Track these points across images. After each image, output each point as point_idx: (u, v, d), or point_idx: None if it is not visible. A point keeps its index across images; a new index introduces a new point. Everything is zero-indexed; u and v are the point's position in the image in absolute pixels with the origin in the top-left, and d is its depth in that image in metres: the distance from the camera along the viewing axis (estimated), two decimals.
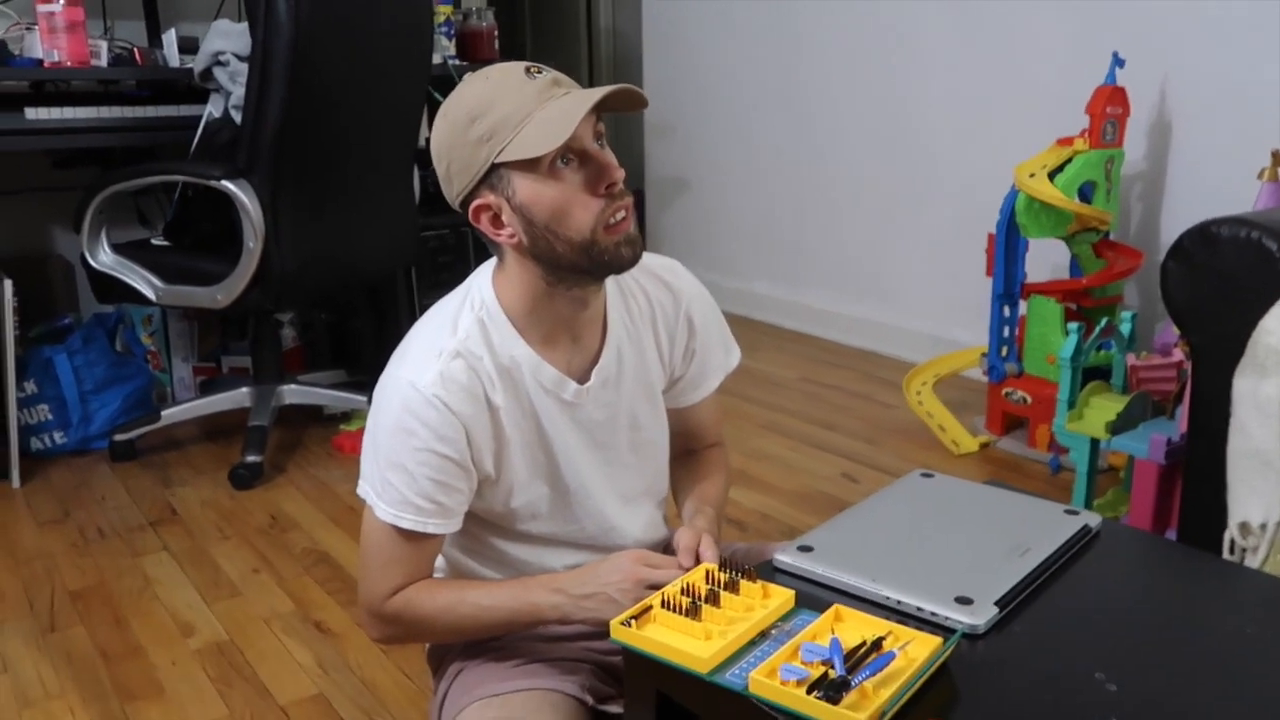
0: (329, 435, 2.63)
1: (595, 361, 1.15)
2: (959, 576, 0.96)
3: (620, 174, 1.02)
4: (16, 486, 2.34)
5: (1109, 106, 2.38)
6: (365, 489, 1.11)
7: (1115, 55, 2.41)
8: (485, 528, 1.19)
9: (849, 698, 0.79)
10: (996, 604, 0.92)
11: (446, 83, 2.75)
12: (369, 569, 1.11)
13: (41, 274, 2.89)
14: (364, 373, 3.01)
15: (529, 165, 1.00)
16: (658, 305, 1.21)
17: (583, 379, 1.15)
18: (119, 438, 2.49)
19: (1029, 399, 2.45)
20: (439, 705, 1.18)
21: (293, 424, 2.70)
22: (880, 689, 0.80)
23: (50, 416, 2.50)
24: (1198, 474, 1.63)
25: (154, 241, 2.49)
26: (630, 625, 0.91)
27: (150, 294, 2.29)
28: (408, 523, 1.07)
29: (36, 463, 2.46)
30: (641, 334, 1.20)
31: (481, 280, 1.13)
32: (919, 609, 0.92)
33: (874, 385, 3.04)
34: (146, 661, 1.66)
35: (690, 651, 0.87)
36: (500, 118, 1.00)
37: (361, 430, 2.56)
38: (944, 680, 0.84)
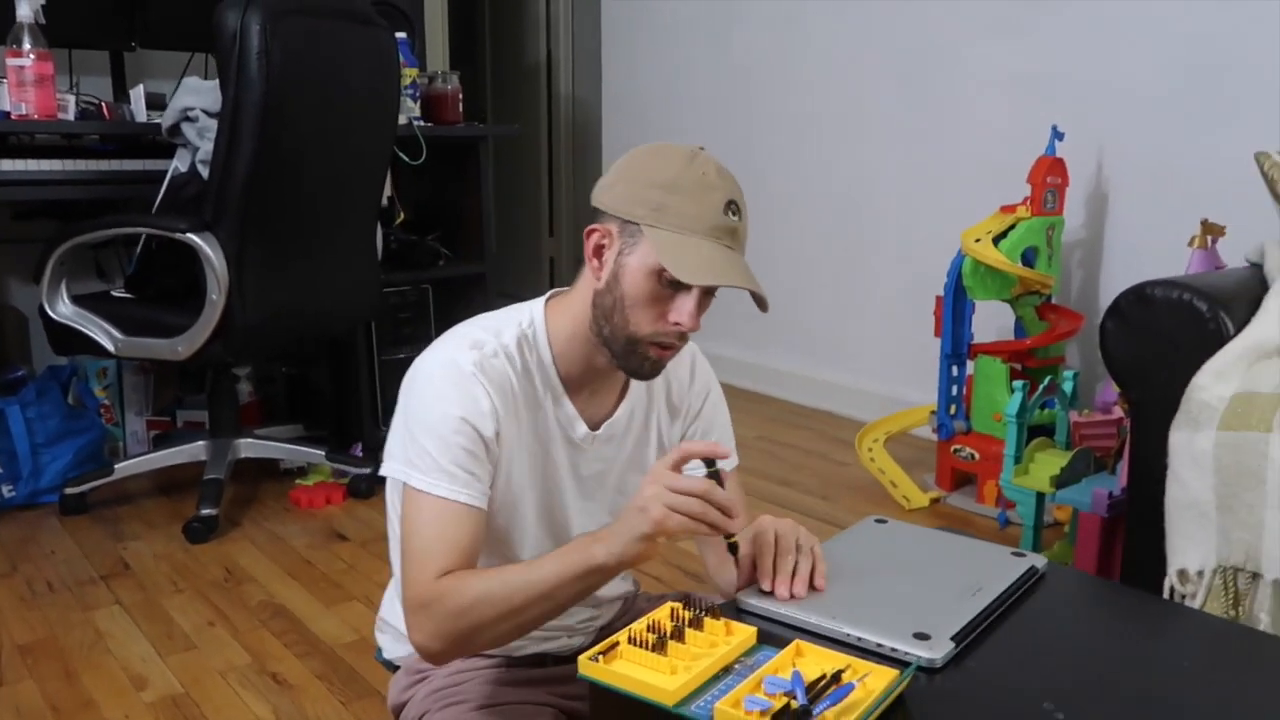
0: (285, 490, 2.62)
1: (608, 418, 1.21)
2: (915, 614, 1.00)
3: (693, 329, 1.10)
4: None
5: (1049, 176, 2.49)
6: (395, 466, 1.11)
7: (1054, 129, 2.53)
8: None
9: None
10: (952, 639, 0.96)
11: (411, 144, 2.80)
12: (412, 555, 1.08)
13: None
14: (321, 427, 3.00)
15: (653, 256, 1.06)
16: (675, 380, 1.27)
17: (592, 429, 1.20)
18: (70, 491, 2.46)
19: (977, 455, 2.52)
20: None
21: (248, 478, 2.68)
22: (841, 718, 0.83)
23: (0, 469, 2.47)
24: (1138, 524, 1.69)
25: (114, 293, 2.49)
26: (598, 661, 0.93)
27: (109, 345, 2.29)
28: (443, 489, 1.07)
29: None
30: (654, 402, 1.26)
31: (536, 306, 1.19)
32: (879, 645, 0.96)
33: (829, 444, 3.10)
34: (98, 715, 1.63)
35: (657, 684, 0.89)
36: (676, 211, 1.06)
37: (320, 484, 2.57)
38: (901, 712, 0.87)
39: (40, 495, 2.51)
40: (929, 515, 2.52)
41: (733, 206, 1.09)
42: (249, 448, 2.56)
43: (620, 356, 1.13)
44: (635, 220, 1.08)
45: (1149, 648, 1.01)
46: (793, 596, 1.05)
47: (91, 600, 2.03)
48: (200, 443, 2.53)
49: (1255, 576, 1.47)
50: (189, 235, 2.16)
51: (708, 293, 1.10)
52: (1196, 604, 1.51)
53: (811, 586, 1.07)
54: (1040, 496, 2.09)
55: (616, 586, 1.30)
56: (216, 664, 1.78)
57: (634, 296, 1.09)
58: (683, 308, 1.08)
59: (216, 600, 2.03)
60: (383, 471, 1.14)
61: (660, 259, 1.05)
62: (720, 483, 1.03)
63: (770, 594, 1.06)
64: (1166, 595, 1.55)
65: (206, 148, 2.26)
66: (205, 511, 2.33)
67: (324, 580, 2.12)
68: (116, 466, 2.50)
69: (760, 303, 1.11)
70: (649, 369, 1.14)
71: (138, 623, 1.93)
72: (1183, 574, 1.54)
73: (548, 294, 1.22)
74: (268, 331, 2.29)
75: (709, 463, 1.04)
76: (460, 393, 1.09)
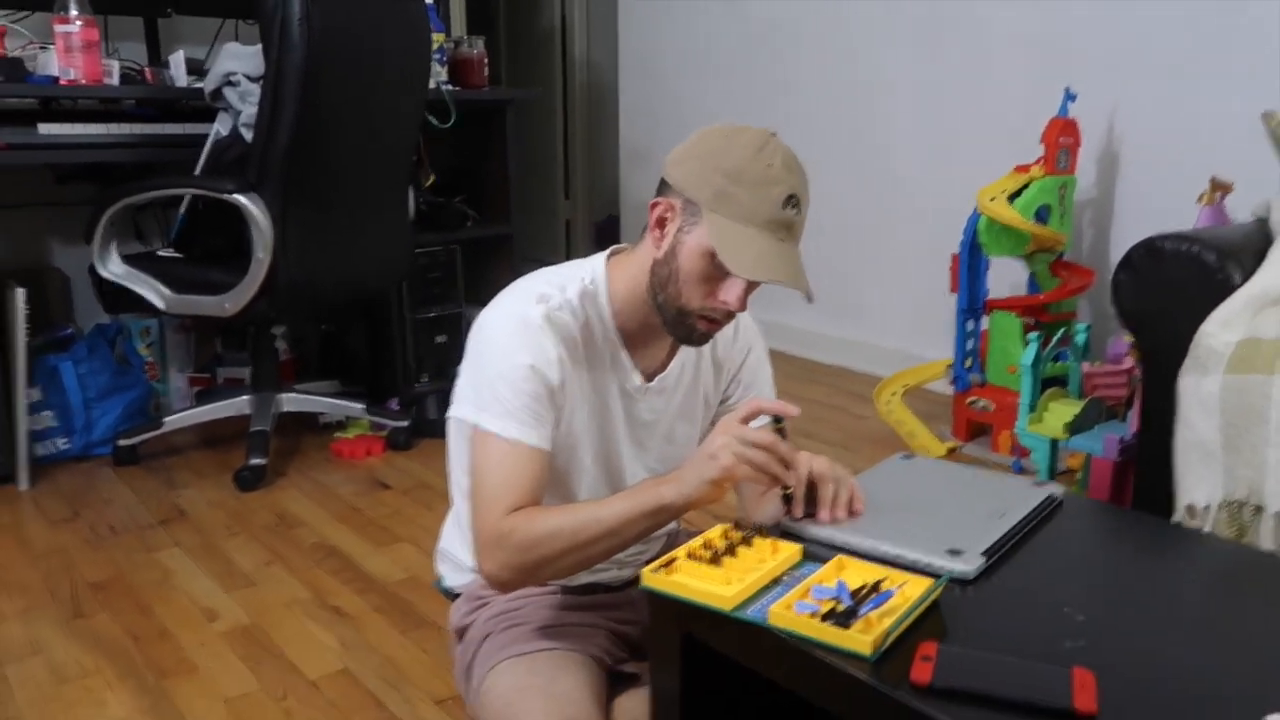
0: (326, 443, 2.73)
1: (660, 371, 1.30)
2: (947, 533, 1.09)
3: (739, 310, 1.19)
4: (24, 489, 2.41)
5: (1062, 137, 2.56)
6: (466, 409, 1.19)
7: (1067, 90, 2.60)
8: None
9: (856, 624, 0.91)
10: (983, 554, 1.05)
11: (439, 107, 2.87)
12: (483, 493, 1.16)
13: (39, 286, 2.95)
14: (355, 384, 3.10)
15: (709, 239, 1.13)
16: (720, 338, 1.34)
17: (646, 381, 1.29)
18: (123, 443, 2.57)
19: (992, 406, 2.61)
20: (467, 667, 1.28)
21: (289, 433, 2.78)
22: (883, 618, 0.93)
23: (55, 423, 2.58)
24: (1148, 464, 1.78)
25: (161, 254, 2.58)
26: (659, 573, 1.03)
27: (160, 302, 2.38)
28: (512, 432, 1.15)
29: (41, 468, 2.52)
30: (701, 358, 1.35)
31: (598, 261, 1.27)
32: (915, 560, 1.04)
33: (847, 398, 3.19)
34: (175, 643, 1.74)
35: (715, 591, 0.99)
36: (737, 200, 1.13)
37: (359, 436, 2.67)
38: (936, 616, 0.97)
39: (93, 448, 2.62)
40: None
41: (793, 201, 1.15)
42: (291, 401, 2.66)
43: (670, 324, 1.21)
44: (697, 201, 1.15)
45: (1162, 565, 1.10)
46: (833, 521, 1.14)
47: (153, 543, 2.14)
48: (244, 397, 2.63)
49: (1258, 510, 1.56)
50: (236, 196, 2.24)
51: (752, 285, 1.18)
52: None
53: (850, 513, 1.16)
54: (1054, 443, 2.18)
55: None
56: (279, 598, 1.90)
57: (688, 272, 1.17)
58: (731, 290, 1.16)
59: (271, 543, 2.14)
60: (451, 414, 1.23)
61: (714, 245, 1.13)
62: (784, 437, 1.12)
63: (811, 519, 1.15)
64: None
65: (249, 111, 2.34)
66: (254, 461, 2.43)
67: (372, 525, 2.23)
68: (165, 420, 2.61)
69: (806, 297, 1.19)
70: (697, 338, 1.23)
71: (199, 562, 2.05)
72: (1190, 509, 1.63)
73: (609, 250, 1.29)
74: (310, 289, 2.39)
75: (776, 419, 1.14)
76: (529, 342, 1.17)
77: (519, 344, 1.18)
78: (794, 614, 0.93)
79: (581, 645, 1.25)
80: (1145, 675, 0.87)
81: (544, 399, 1.18)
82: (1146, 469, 1.80)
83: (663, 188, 1.20)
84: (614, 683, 1.26)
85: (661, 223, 1.19)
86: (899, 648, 0.90)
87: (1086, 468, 2.17)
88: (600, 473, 1.29)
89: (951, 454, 2.68)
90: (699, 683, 1.07)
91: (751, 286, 1.18)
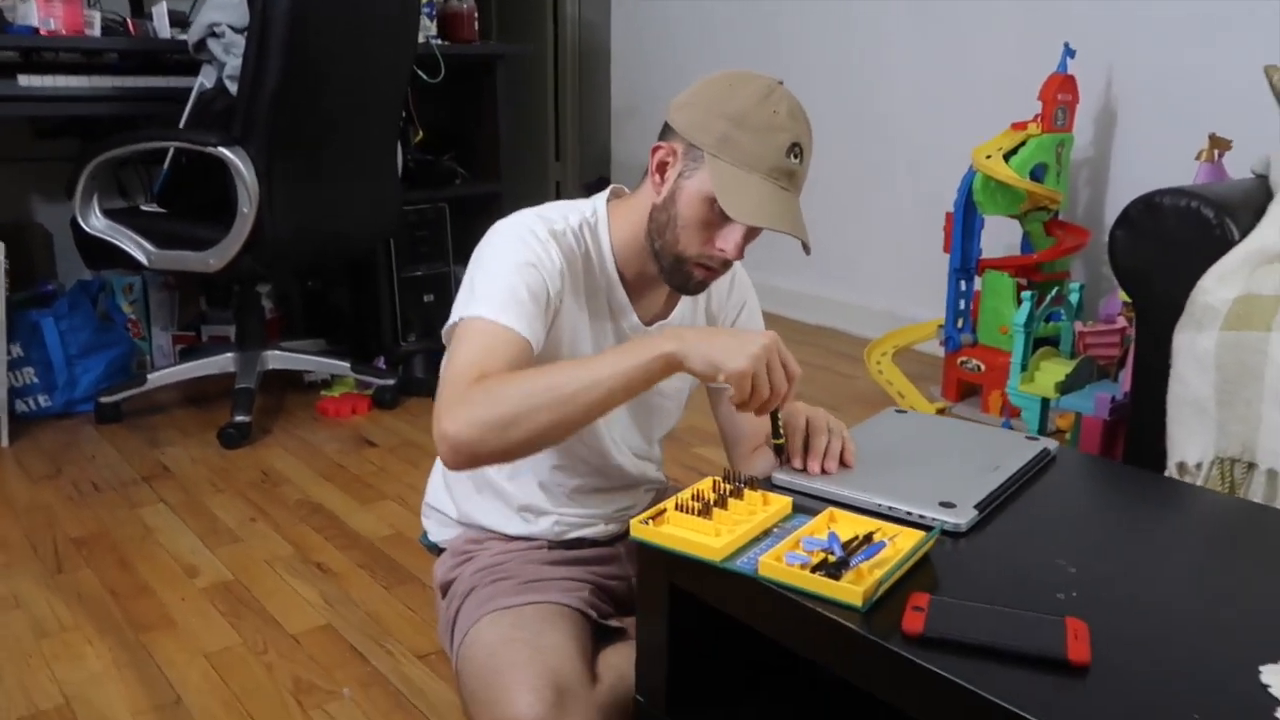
0: (311, 401, 2.71)
1: (660, 319, 1.28)
2: (940, 486, 1.07)
3: (736, 258, 1.16)
4: (5, 445, 2.38)
5: (1060, 94, 2.53)
6: (455, 315, 1.13)
7: (1066, 46, 2.56)
8: None
9: (847, 575, 0.90)
10: (975, 507, 1.04)
11: (429, 62, 2.82)
12: (453, 366, 1.08)
13: (20, 241, 2.91)
14: (341, 343, 3.07)
15: (710, 184, 1.11)
16: (715, 290, 1.33)
17: (645, 325, 1.26)
18: (105, 400, 2.54)
19: (983, 367, 2.60)
20: (451, 621, 1.26)
21: (273, 391, 2.76)
22: (874, 569, 0.91)
23: (36, 379, 2.54)
24: (1140, 422, 1.77)
25: (144, 208, 2.54)
26: (648, 524, 1.02)
27: (142, 258, 2.34)
28: (499, 315, 1.09)
29: (22, 425, 2.50)
30: (698, 309, 1.32)
31: (599, 201, 1.24)
32: (908, 513, 1.03)
33: (836, 359, 3.18)
34: (156, 599, 1.73)
35: (704, 543, 0.97)
36: (740, 146, 1.11)
37: (345, 395, 2.65)
38: (928, 568, 0.96)
39: (75, 405, 2.59)
40: None
41: (796, 149, 1.13)
42: (276, 359, 2.64)
43: (667, 271, 1.19)
44: (700, 146, 1.13)
45: (1155, 518, 1.09)
46: (824, 472, 1.12)
47: (137, 499, 2.12)
48: (229, 355, 2.60)
49: (1250, 467, 1.55)
50: (220, 149, 2.20)
51: (755, 228, 1.15)
52: None
53: (841, 464, 1.14)
54: (1045, 402, 2.17)
55: (647, 470, 1.38)
56: (262, 554, 1.88)
57: (686, 218, 1.14)
58: (729, 238, 1.14)
59: (256, 499, 2.12)
60: (446, 329, 1.17)
61: (715, 190, 1.11)
62: (778, 423, 1.12)
63: (803, 471, 1.13)
64: None
65: (234, 63, 2.29)
66: (239, 418, 2.41)
67: (357, 482, 2.21)
68: (149, 377, 2.58)
69: (804, 247, 1.17)
70: (693, 286, 1.20)
71: (183, 519, 2.03)
72: (1182, 466, 1.62)
73: (609, 190, 1.27)
74: (296, 245, 2.35)
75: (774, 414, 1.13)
76: (532, 246, 1.14)
77: (521, 246, 1.14)
78: (784, 565, 0.92)
79: (567, 599, 1.23)
80: (1138, 626, 0.86)
81: (540, 299, 1.13)
82: (1138, 426, 1.79)
83: (665, 132, 1.18)
84: (600, 637, 1.25)
85: (662, 167, 1.17)
86: (890, 599, 0.88)
87: (1076, 428, 2.16)
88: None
89: (941, 414, 2.67)
90: (686, 635, 1.05)
91: (750, 235, 1.16)
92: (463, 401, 1.03)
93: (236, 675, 1.50)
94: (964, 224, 2.60)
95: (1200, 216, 1.67)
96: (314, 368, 2.74)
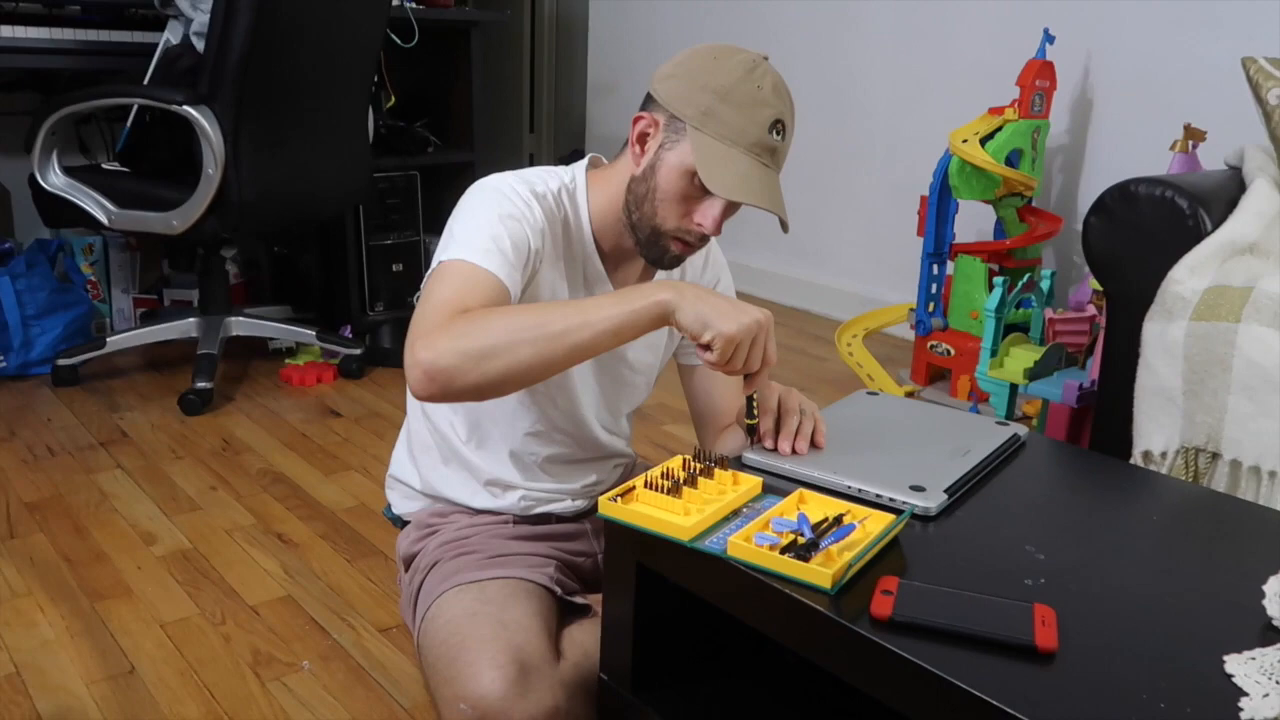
0: (275, 369, 2.66)
1: None
2: (910, 469, 1.07)
3: (714, 233, 1.14)
4: None
5: (1038, 79, 2.52)
6: (436, 260, 1.09)
7: (1046, 31, 2.56)
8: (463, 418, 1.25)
9: (817, 557, 0.89)
10: (945, 491, 1.03)
11: (402, 25, 2.77)
12: (428, 303, 1.04)
13: None
14: (307, 310, 3.03)
15: (691, 157, 1.09)
16: (690, 266, 1.31)
17: None
18: (63, 362, 2.48)
19: (952, 351, 2.60)
20: (414, 595, 1.25)
21: (237, 357, 2.71)
22: (844, 551, 0.91)
23: None
24: (1107, 410, 1.78)
25: (105, 166, 2.47)
26: (616, 502, 1.00)
27: (103, 217, 2.29)
28: (478, 259, 1.06)
29: None
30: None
31: (578, 168, 1.22)
32: (877, 495, 1.03)
33: (807, 340, 3.17)
34: (111, 566, 1.69)
35: (673, 522, 0.96)
36: (723, 120, 1.09)
37: (310, 363, 2.61)
38: (897, 551, 0.95)
39: (31, 367, 2.53)
40: None
41: (779, 126, 1.12)
42: (240, 325, 2.59)
43: (644, 245, 1.17)
44: (682, 119, 1.11)
45: (1124, 505, 1.10)
46: (795, 453, 1.11)
47: (93, 464, 2.08)
48: (192, 319, 2.55)
49: (1215, 456, 1.56)
50: (185, 108, 2.14)
51: (734, 204, 1.14)
52: None
53: (813, 445, 1.13)
54: (1013, 388, 2.17)
55: (618, 442, 1.36)
56: (222, 524, 1.85)
57: (665, 191, 1.13)
58: (708, 212, 1.13)
59: (217, 467, 2.08)
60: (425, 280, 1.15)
61: (696, 164, 1.09)
62: (754, 405, 1.12)
63: (773, 451, 1.12)
64: None
65: (201, 19, 2.23)
66: (200, 385, 2.36)
67: (321, 452, 2.18)
68: (108, 340, 2.52)
69: (782, 225, 1.16)
70: (668, 261, 1.19)
71: (141, 485, 1.99)
72: (1147, 455, 1.63)
73: (587, 158, 1.25)
74: (262, 208, 2.30)
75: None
76: (515, 201, 1.12)
77: (504, 200, 1.12)
78: (753, 546, 0.91)
79: (532, 575, 1.22)
80: (1105, 612, 0.86)
81: (522, 252, 1.10)
82: (1105, 414, 1.80)
83: (647, 103, 1.16)
84: (565, 614, 1.23)
85: (643, 139, 1.16)
86: (859, 581, 0.88)
87: (1044, 414, 2.17)
88: (558, 380, 1.23)
89: (910, 397, 2.67)
90: (652, 613, 1.04)
91: (729, 210, 1.14)
92: (443, 330, 1.00)
93: (193, 646, 1.47)
94: (938, 208, 2.60)
95: (1174, 206, 1.67)
96: (279, 335, 2.70)
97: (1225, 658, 0.79)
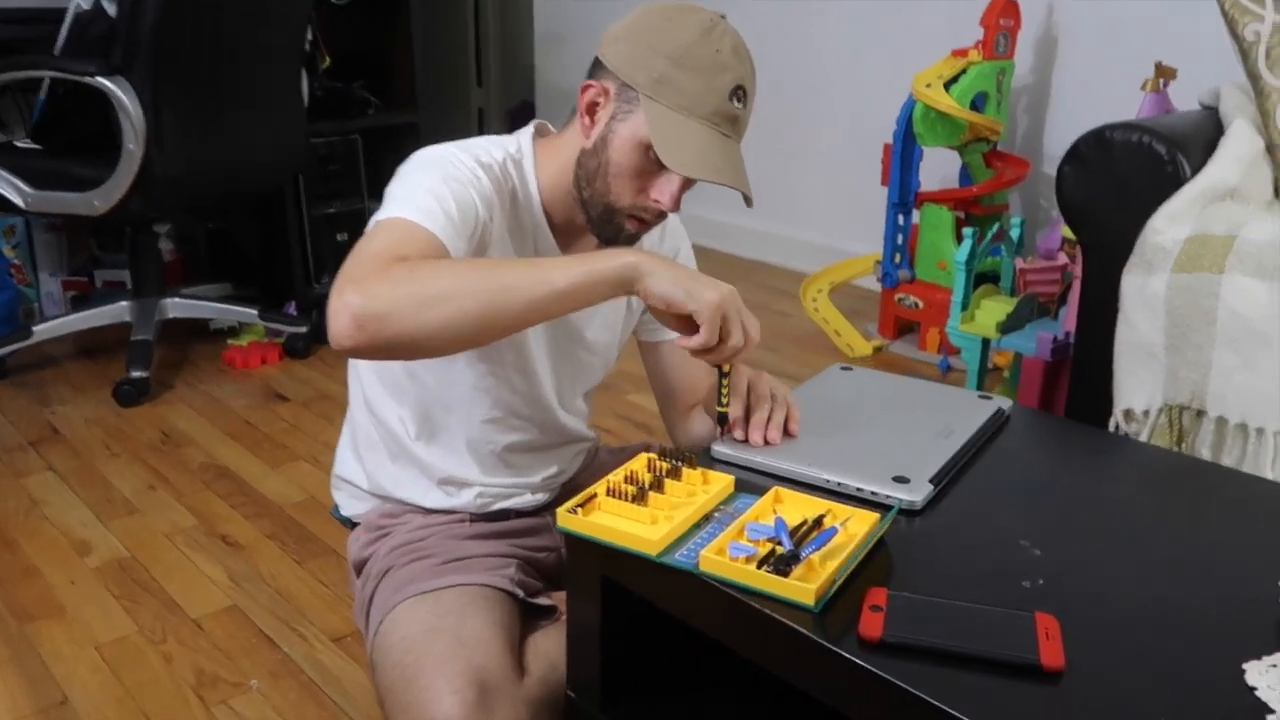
0: (217, 351, 2.54)
1: None
2: (892, 458, 1.00)
3: (669, 210, 1.06)
4: None
5: (1002, 18, 2.43)
6: (372, 221, 0.99)
7: None
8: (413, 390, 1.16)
9: (798, 570, 0.81)
10: (930, 481, 0.96)
11: None
12: (360, 252, 0.93)
13: None
14: (250, 286, 2.89)
15: (646, 129, 1.01)
16: (646, 238, 1.20)
17: None
18: None
19: (920, 304, 2.54)
20: (365, 607, 1.16)
21: (177, 340, 2.58)
22: (827, 561, 0.83)
23: None
24: (1083, 367, 1.72)
25: (18, 144, 2.32)
26: (576, 513, 0.92)
27: (18, 200, 2.14)
28: (416, 215, 0.95)
29: None
30: None
31: (524, 137, 1.12)
32: (859, 489, 0.95)
33: (770, 295, 3.09)
34: (42, 582, 1.58)
35: (639, 534, 0.88)
36: (679, 88, 1.00)
37: (253, 343, 2.49)
38: (883, 553, 0.87)
39: None
40: (873, 363, 2.55)
41: (739, 92, 1.03)
42: (176, 307, 2.46)
43: (596, 222, 1.09)
44: (634, 87, 1.02)
45: (1120, 486, 1.03)
46: (767, 443, 1.03)
47: (22, 467, 1.96)
48: (124, 303, 2.42)
49: (1199, 414, 1.51)
50: (99, 79, 2.00)
51: (688, 183, 1.05)
52: (1141, 440, 1.55)
53: (786, 434, 1.05)
54: (985, 342, 2.11)
55: (577, 431, 1.28)
56: (162, 527, 1.74)
57: (619, 165, 1.04)
58: (665, 188, 1.04)
59: (155, 464, 1.98)
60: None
61: (651, 137, 1.00)
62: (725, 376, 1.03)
63: (745, 442, 1.04)
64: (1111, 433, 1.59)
65: None
66: (135, 374, 2.24)
67: (267, 441, 2.07)
68: (35, 329, 2.38)
69: (746, 200, 1.08)
70: (623, 239, 1.10)
71: (74, 489, 1.88)
72: (1129, 413, 1.58)
73: (533, 125, 1.15)
74: (191, 184, 2.18)
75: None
76: (459, 168, 1.02)
77: (448, 165, 1.01)
78: (727, 560, 0.83)
79: (492, 579, 1.13)
80: (1110, 617, 0.79)
81: (469, 220, 1.00)
82: (1082, 371, 1.74)
83: (595, 69, 1.06)
84: (530, 616, 1.16)
85: (592, 109, 1.06)
86: (845, 593, 0.81)
87: (1015, 367, 2.11)
88: (514, 361, 1.15)
89: (878, 352, 2.61)
90: (620, 625, 0.97)
91: (687, 185, 1.05)
92: (379, 275, 0.89)
93: (131, 669, 1.37)
94: (903, 156, 2.51)
95: (1152, 152, 1.60)
96: (218, 315, 2.58)
97: (1244, 665, 0.73)
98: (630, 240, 1.11)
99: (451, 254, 0.97)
